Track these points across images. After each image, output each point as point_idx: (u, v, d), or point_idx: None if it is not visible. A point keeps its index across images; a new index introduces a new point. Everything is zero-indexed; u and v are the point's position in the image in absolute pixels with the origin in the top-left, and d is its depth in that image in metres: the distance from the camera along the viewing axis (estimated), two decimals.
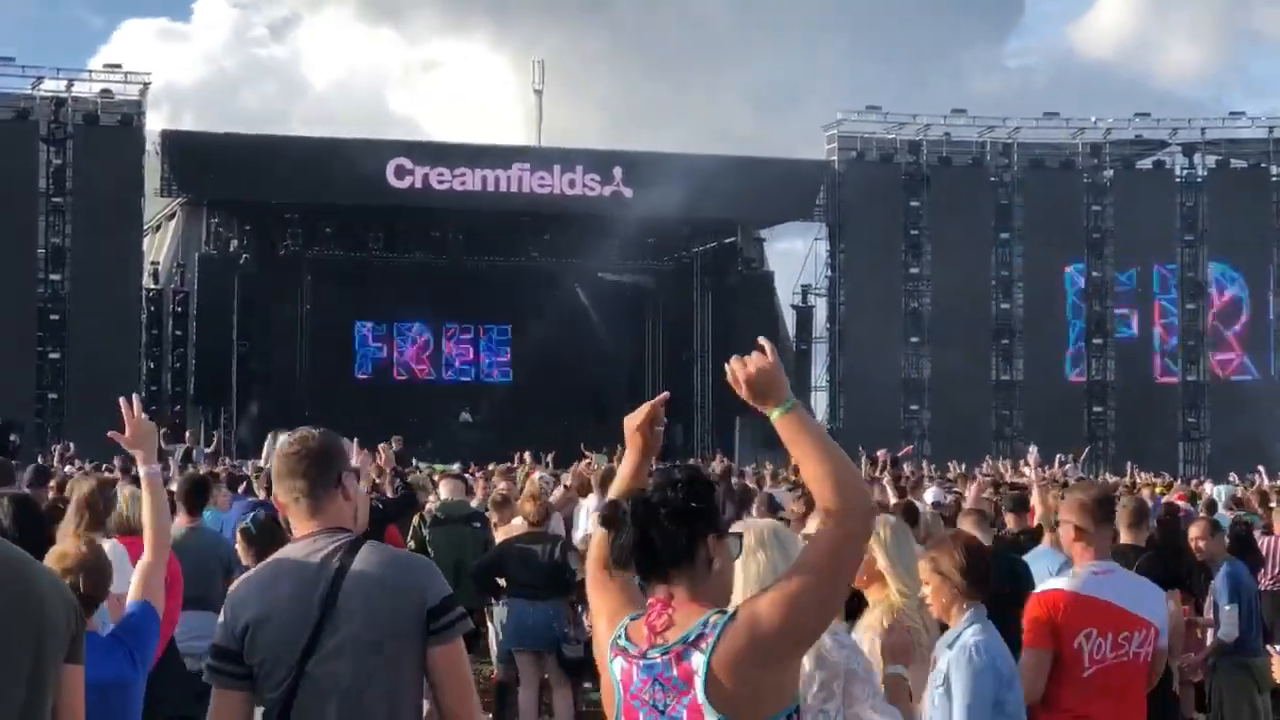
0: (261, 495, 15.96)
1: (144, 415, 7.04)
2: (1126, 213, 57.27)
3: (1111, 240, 57.75)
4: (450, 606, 5.30)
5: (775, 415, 4.57)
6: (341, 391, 52.48)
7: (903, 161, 57.13)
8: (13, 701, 4.44)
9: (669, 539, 4.58)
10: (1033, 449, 17.78)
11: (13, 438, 34.89)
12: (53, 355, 48.85)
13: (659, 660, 4.52)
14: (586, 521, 17.72)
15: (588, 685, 14.88)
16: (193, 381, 50.38)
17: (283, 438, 5.57)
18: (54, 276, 49.27)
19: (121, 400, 6.97)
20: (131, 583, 7.06)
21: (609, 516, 4.69)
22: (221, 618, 5.46)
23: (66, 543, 7.27)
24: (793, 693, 4.55)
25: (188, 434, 38.78)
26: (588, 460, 31.54)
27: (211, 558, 11.49)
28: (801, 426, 4.58)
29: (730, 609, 4.57)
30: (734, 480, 25.27)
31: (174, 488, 12.52)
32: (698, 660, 4.46)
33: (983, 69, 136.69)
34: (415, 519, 16.34)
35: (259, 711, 5.34)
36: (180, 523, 11.87)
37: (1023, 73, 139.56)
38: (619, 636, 4.70)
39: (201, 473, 18.64)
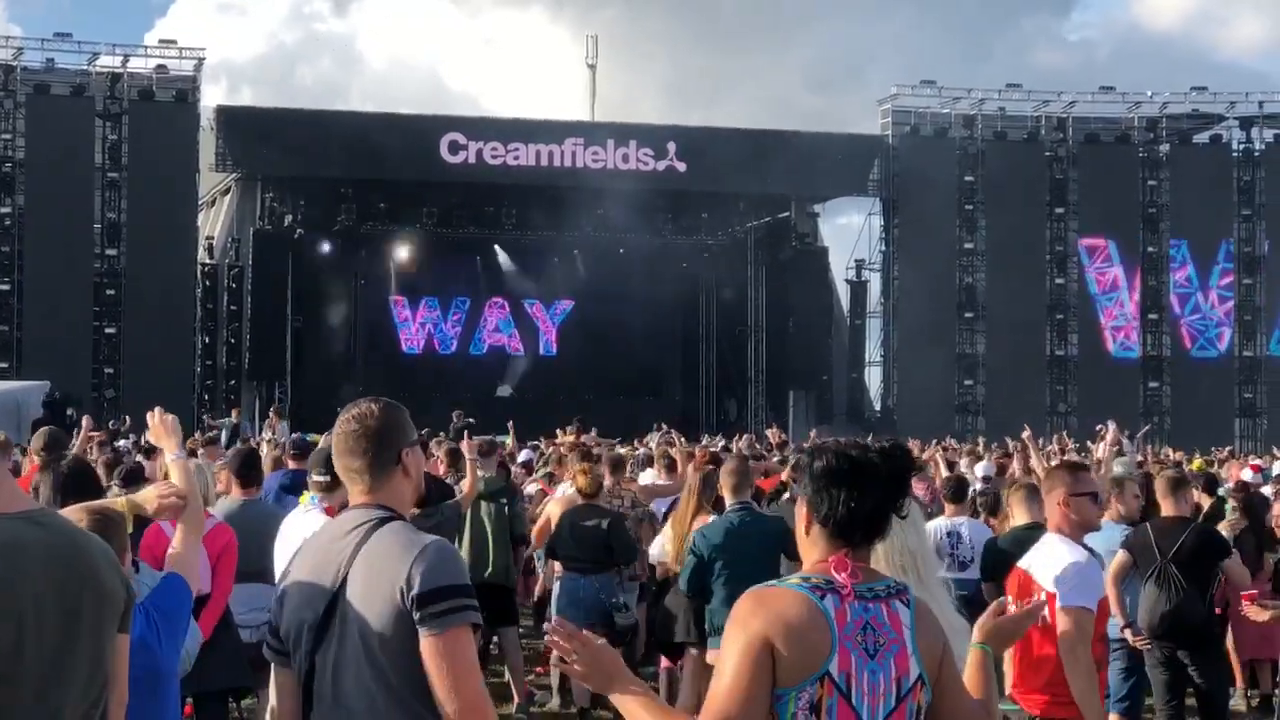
0: (292, 465, 15.92)
1: (167, 418, 7.39)
2: (1182, 187, 56.96)
3: (1167, 215, 57.43)
4: (444, 596, 4.94)
5: (982, 647, 5.15)
6: (395, 365, 52.66)
7: (957, 136, 56.99)
8: (77, 672, 4.48)
9: (881, 508, 4.71)
10: (1110, 424, 17.73)
11: (69, 412, 35.17)
12: (109, 330, 49.14)
13: (871, 605, 4.60)
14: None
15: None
16: (247, 356, 50.55)
17: (342, 412, 5.37)
18: (110, 251, 49.58)
19: (149, 414, 7.33)
20: (168, 556, 7.15)
21: (851, 474, 4.73)
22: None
23: (74, 507, 7.35)
24: None
25: (235, 410, 38.94)
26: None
27: (265, 530, 11.46)
28: (990, 667, 5.03)
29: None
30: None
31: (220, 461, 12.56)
32: (904, 611, 4.63)
33: (1044, 42, 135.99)
34: None
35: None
36: (234, 495, 11.92)
37: (1084, 46, 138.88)
38: (803, 581, 4.67)
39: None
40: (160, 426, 7.38)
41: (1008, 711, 7.57)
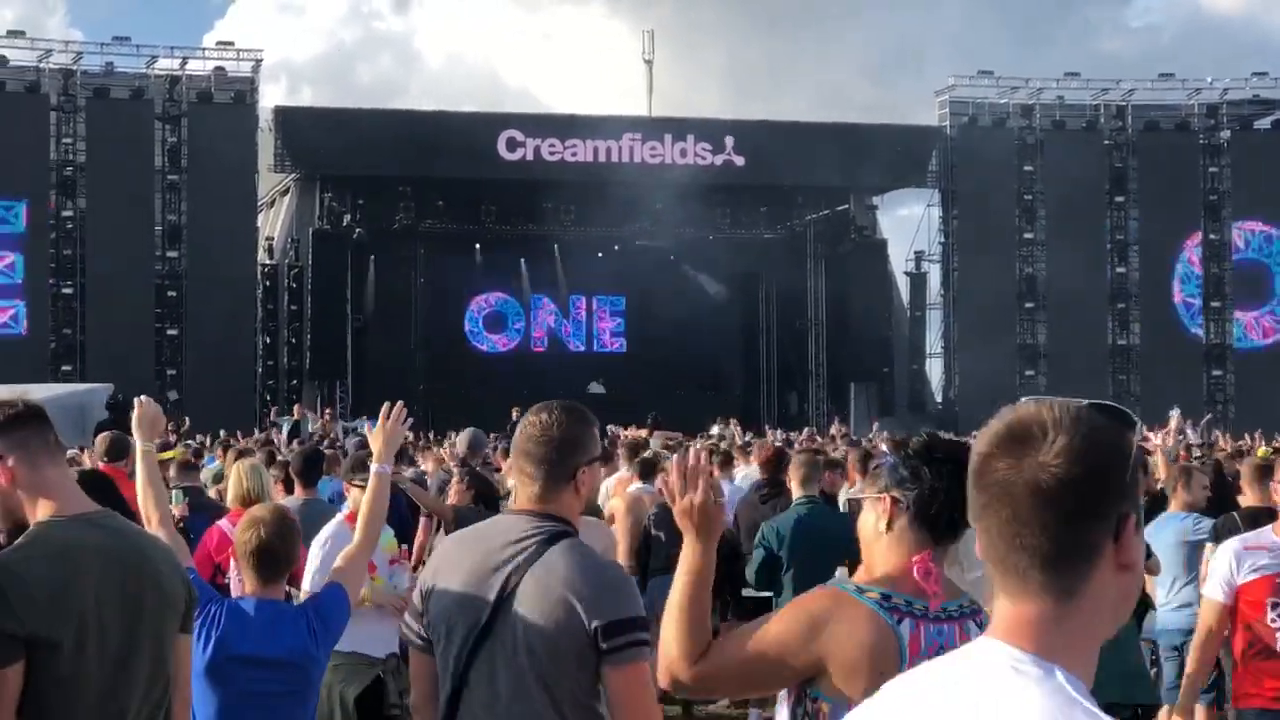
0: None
1: (395, 421, 6.92)
2: (1244, 174, 56.52)
3: (1229, 202, 57.03)
4: (631, 628, 4.88)
5: None
6: (456, 364, 52.71)
7: (1016, 126, 56.68)
8: (139, 671, 4.50)
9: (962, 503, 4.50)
10: (1174, 412, 17.49)
11: None
12: (170, 332, 49.40)
13: (945, 627, 4.40)
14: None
15: None
16: (308, 356, 50.73)
17: (529, 414, 5.27)
18: (171, 254, 49.82)
19: (390, 407, 6.94)
20: (334, 564, 7.05)
21: (930, 469, 4.54)
22: (421, 574, 5.37)
23: (258, 506, 7.38)
24: None
25: (296, 407, 39.00)
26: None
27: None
28: None
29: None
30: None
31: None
32: (975, 634, 4.19)
33: (1106, 29, 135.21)
34: None
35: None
36: (295, 495, 11.94)
37: (1147, 32, 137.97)
38: (886, 599, 4.42)
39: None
40: (392, 427, 6.94)
41: None
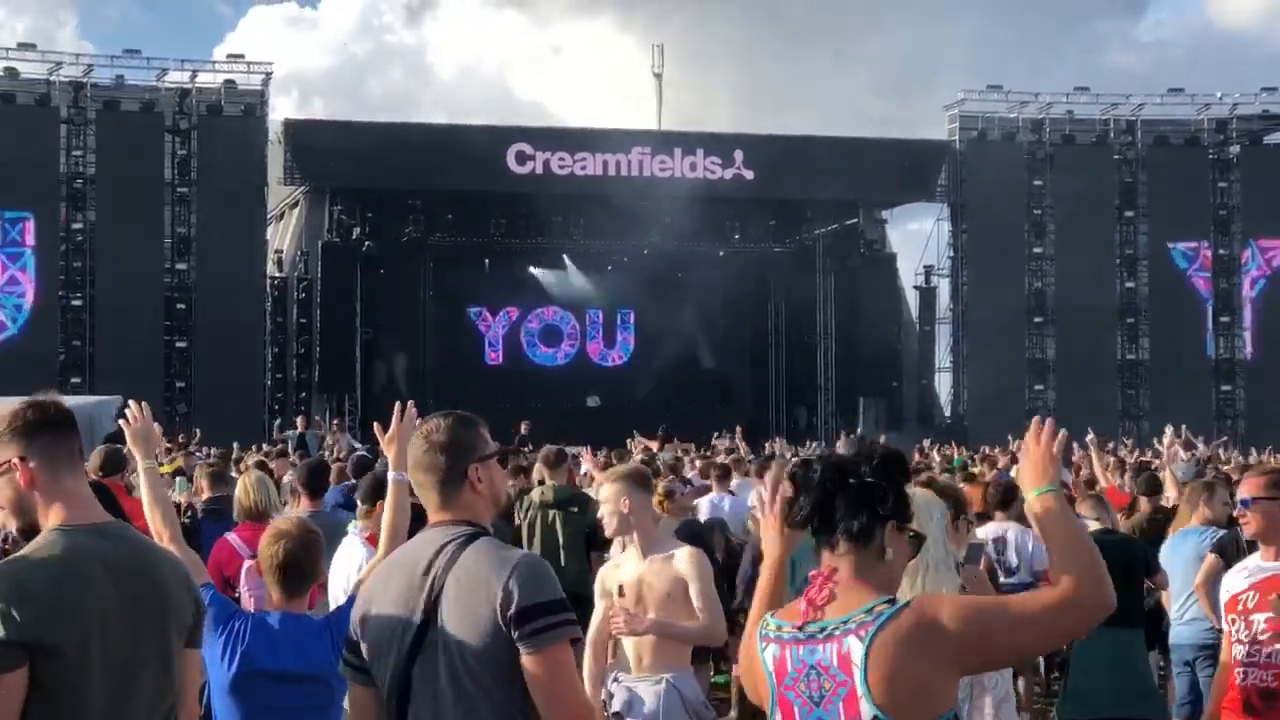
0: (353, 480, 15.81)
1: (409, 422, 6.81)
2: (1254, 189, 56.45)
3: (1239, 217, 56.95)
4: (543, 612, 4.85)
5: (1037, 491, 4.53)
6: (465, 377, 52.57)
7: (1025, 140, 56.67)
8: (144, 683, 4.48)
9: (849, 512, 4.54)
10: (1168, 430, 17.55)
11: None
12: (179, 344, 49.45)
13: (819, 646, 4.42)
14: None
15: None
16: (317, 369, 50.71)
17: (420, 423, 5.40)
18: (180, 266, 49.86)
19: (402, 409, 6.84)
20: (360, 574, 7.03)
21: (800, 476, 4.69)
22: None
23: (282, 520, 7.36)
24: (951, 700, 4.42)
25: (299, 419, 39.06)
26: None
27: (332, 540, 11.42)
28: (1067, 508, 4.56)
29: (899, 600, 4.49)
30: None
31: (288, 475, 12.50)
32: (856, 648, 4.36)
33: (1117, 44, 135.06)
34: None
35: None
36: (301, 506, 11.93)
37: (1157, 47, 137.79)
38: (765, 625, 4.63)
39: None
40: (397, 430, 6.87)
41: None
